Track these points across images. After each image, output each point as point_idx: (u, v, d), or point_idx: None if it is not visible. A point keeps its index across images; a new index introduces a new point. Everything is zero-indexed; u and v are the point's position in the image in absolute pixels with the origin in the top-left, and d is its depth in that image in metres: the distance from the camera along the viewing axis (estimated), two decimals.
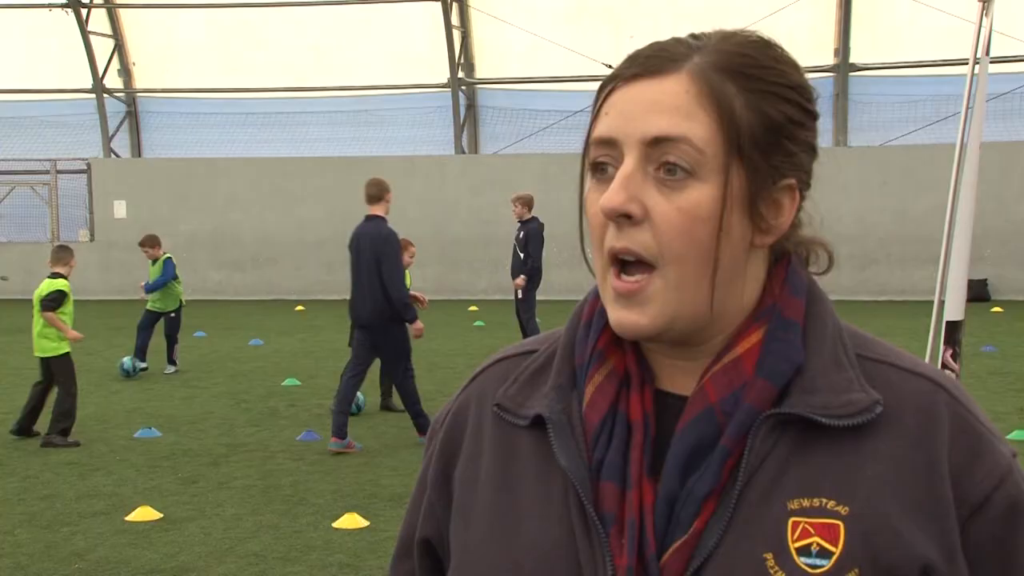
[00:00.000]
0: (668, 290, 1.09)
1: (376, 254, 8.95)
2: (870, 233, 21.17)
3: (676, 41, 1.12)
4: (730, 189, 1.08)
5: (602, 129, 1.11)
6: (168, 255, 13.53)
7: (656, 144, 1.07)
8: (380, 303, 8.94)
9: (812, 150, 1.15)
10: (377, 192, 9.23)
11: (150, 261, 13.48)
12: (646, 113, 1.08)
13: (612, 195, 1.07)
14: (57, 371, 9.46)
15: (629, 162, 1.08)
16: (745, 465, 1.08)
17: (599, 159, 1.11)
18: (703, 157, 1.07)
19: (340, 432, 8.73)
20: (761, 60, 1.11)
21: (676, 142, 1.07)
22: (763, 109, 1.10)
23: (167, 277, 13.26)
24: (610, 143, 1.10)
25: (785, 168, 1.12)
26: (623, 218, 1.08)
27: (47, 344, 9.51)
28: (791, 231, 1.16)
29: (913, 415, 1.11)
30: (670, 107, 1.08)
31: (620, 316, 1.11)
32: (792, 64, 1.14)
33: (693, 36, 1.14)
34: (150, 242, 13.52)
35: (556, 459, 1.14)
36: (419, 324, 9.07)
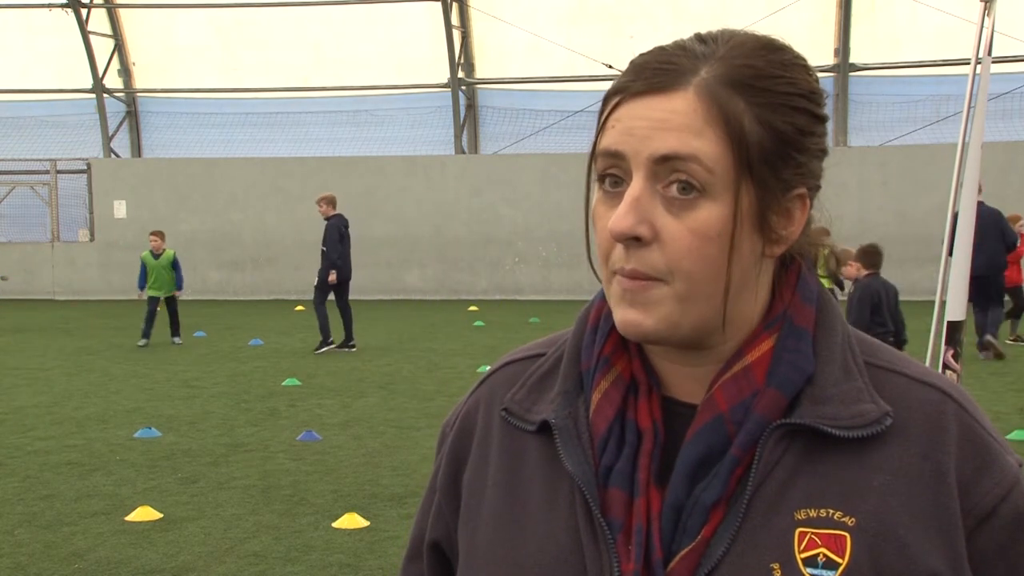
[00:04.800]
0: (674, 299, 1.08)
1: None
2: (870, 233, 20.94)
3: (681, 50, 1.10)
4: (740, 207, 1.07)
5: (609, 142, 1.09)
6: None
7: (664, 162, 1.06)
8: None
9: (822, 153, 1.14)
10: None
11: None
12: (654, 131, 1.07)
13: (620, 219, 1.06)
14: None
15: (637, 183, 1.07)
16: (754, 475, 1.08)
17: (608, 170, 1.10)
18: (712, 176, 1.06)
19: None
20: (770, 70, 1.09)
21: (685, 160, 1.06)
22: (772, 123, 1.08)
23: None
24: (617, 155, 1.09)
25: (795, 180, 1.11)
26: (632, 240, 1.07)
27: None
28: (801, 235, 1.15)
29: (921, 425, 1.10)
30: (679, 125, 1.06)
31: (625, 315, 1.09)
32: (802, 67, 1.12)
33: (699, 39, 1.12)
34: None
35: (563, 464, 1.14)
36: None
